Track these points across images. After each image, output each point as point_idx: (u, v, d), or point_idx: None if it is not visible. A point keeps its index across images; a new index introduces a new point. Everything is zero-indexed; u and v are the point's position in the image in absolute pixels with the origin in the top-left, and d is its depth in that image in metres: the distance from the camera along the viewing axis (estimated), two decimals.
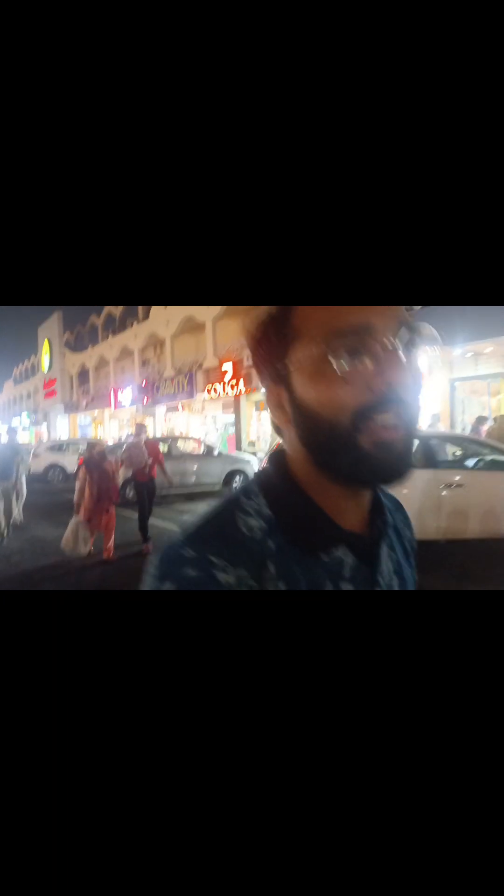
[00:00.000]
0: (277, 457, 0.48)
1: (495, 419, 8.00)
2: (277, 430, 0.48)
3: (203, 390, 15.47)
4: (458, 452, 5.25)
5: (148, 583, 0.40)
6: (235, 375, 13.93)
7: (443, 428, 8.60)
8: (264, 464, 0.50)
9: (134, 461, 5.60)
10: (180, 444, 10.56)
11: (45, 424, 31.23)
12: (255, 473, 0.49)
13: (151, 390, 18.68)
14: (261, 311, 0.44)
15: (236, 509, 0.44)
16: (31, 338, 36.74)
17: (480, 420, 8.32)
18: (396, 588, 0.49)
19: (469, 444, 5.34)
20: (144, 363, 21.31)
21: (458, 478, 4.51)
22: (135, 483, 5.92)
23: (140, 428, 5.99)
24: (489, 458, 4.86)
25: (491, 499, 4.44)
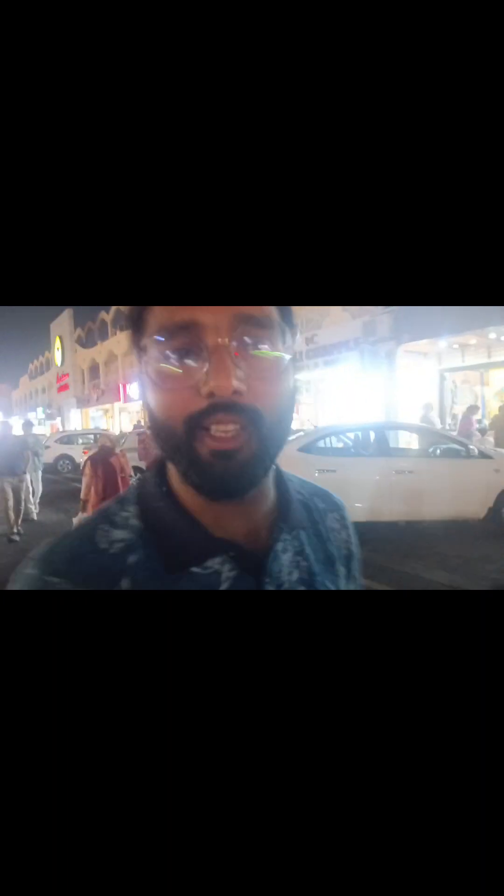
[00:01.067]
0: (161, 461, 0.46)
1: (501, 408, 8.47)
2: None
3: None
4: (416, 442, 5.82)
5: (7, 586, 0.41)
6: None
7: (435, 416, 9.10)
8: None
9: (150, 453, 5.35)
10: None
11: (59, 419, 32.30)
12: (139, 479, 0.48)
13: None
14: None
15: (103, 521, 0.43)
16: (44, 334, 37.83)
17: (472, 409, 8.81)
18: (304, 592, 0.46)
19: (426, 434, 5.90)
20: None
21: (407, 464, 5.10)
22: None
23: (109, 440, 5.47)
24: (444, 446, 5.42)
25: (441, 483, 5.01)
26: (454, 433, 8.55)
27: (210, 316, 0.37)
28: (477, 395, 10.63)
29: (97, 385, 27.58)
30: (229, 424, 0.37)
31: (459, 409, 10.28)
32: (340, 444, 5.85)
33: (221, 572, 0.42)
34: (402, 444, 6.00)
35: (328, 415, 12.35)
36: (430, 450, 5.46)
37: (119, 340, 24.68)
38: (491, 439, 7.87)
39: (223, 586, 0.42)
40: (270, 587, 0.44)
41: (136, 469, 7.06)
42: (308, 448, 5.02)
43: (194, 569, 0.42)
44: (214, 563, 0.42)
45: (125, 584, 0.40)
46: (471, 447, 5.31)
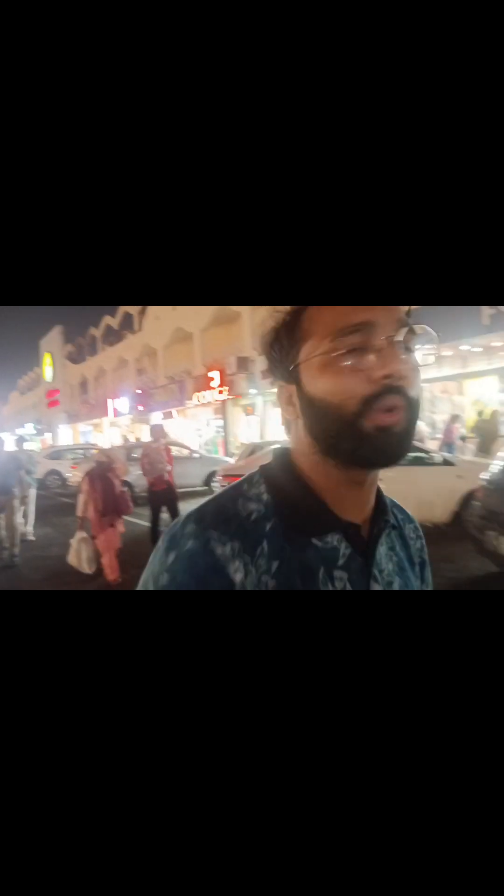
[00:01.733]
0: (282, 452, 0.53)
1: (480, 413, 8.84)
2: (287, 426, 0.52)
3: (192, 397, 16.36)
4: None
5: (156, 556, 0.47)
6: (221, 382, 14.83)
7: (423, 426, 9.46)
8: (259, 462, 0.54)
9: (155, 468, 5.02)
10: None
11: (49, 434, 32.38)
12: (261, 466, 0.53)
13: (146, 398, 19.65)
14: (270, 321, 0.49)
15: (238, 495, 0.50)
16: (32, 351, 38.06)
17: (454, 418, 9.21)
18: (396, 589, 0.52)
19: None
20: (139, 372, 22.31)
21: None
22: (150, 493, 5.25)
23: (158, 431, 5.39)
24: (411, 455, 5.72)
25: (408, 490, 5.30)
26: (436, 440, 8.95)
27: (383, 316, 0.45)
28: (455, 404, 11.03)
29: (86, 400, 27.80)
30: (398, 401, 0.44)
31: (439, 419, 10.70)
32: None
33: (339, 548, 0.48)
34: None
35: None
36: None
37: (108, 356, 24.97)
38: (472, 446, 8.23)
39: (340, 562, 0.48)
40: (376, 570, 0.50)
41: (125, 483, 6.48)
42: None
43: (316, 541, 0.48)
44: (334, 539, 0.49)
45: (265, 546, 0.46)
46: (434, 455, 5.63)
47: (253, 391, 13.92)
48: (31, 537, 6.58)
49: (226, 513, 0.48)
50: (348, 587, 0.48)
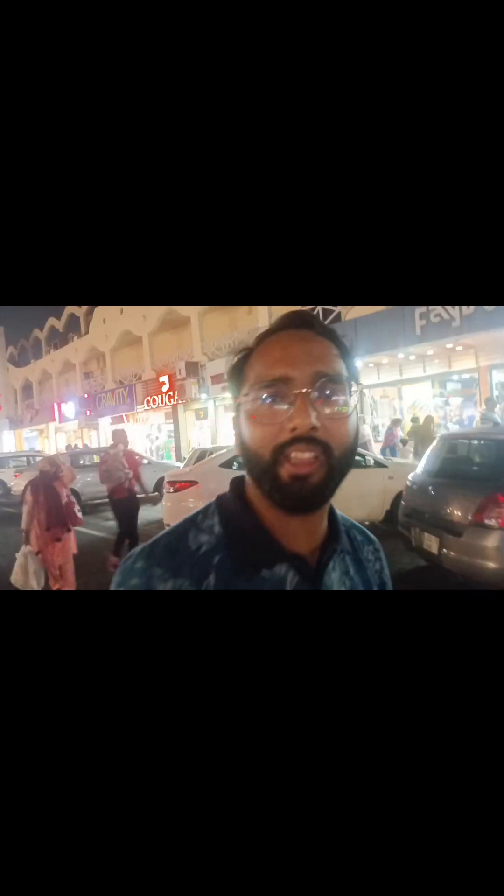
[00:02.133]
0: (238, 482, 0.54)
1: (414, 419, 9.43)
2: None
3: (142, 402, 16.25)
4: None
5: (112, 586, 0.49)
6: (171, 387, 14.81)
7: (367, 429, 9.94)
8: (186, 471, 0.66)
9: (112, 476, 4.86)
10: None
11: None
12: (217, 497, 0.55)
13: (94, 403, 19.23)
14: (232, 359, 0.52)
15: (192, 527, 0.52)
16: None
17: (395, 423, 9.77)
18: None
19: None
20: (87, 376, 21.78)
21: None
22: (112, 501, 5.08)
23: (119, 436, 5.18)
24: None
25: (344, 490, 5.64)
26: (379, 443, 9.46)
27: (298, 371, 0.47)
28: (395, 409, 11.70)
29: (31, 405, 26.72)
30: (306, 453, 0.46)
31: (380, 422, 11.32)
32: None
33: (286, 578, 0.50)
34: None
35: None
36: None
37: (53, 359, 24.14)
38: (411, 449, 8.80)
39: (288, 588, 0.50)
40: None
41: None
42: (227, 465, 5.50)
43: (264, 571, 0.50)
44: (281, 569, 0.50)
45: (211, 580, 0.48)
46: (367, 457, 6.03)
47: (203, 396, 14.01)
48: None
49: (174, 547, 0.50)
50: None
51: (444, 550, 3.50)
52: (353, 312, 10.79)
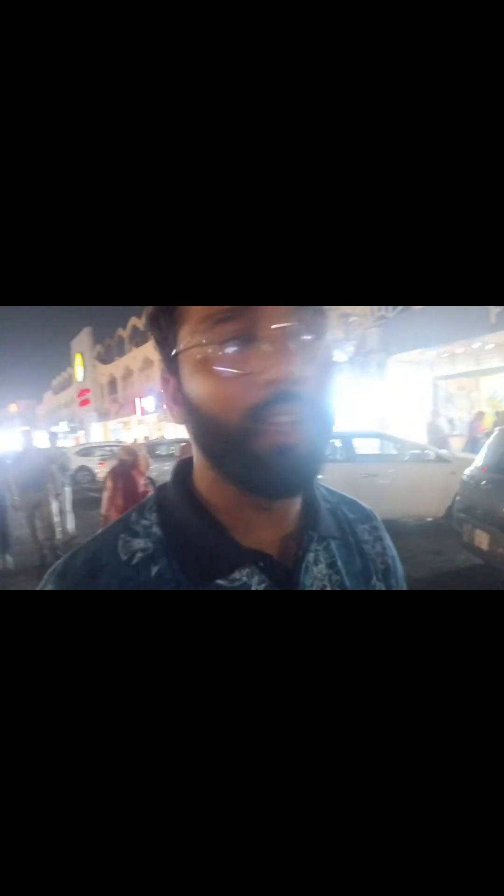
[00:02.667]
0: (182, 465, 0.43)
1: (497, 413, 9.04)
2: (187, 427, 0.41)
3: None
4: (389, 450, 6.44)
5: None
6: None
7: (443, 422, 9.74)
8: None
9: (128, 496, 4.34)
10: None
11: (82, 432, 33.74)
12: (157, 487, 0.44)
13: None
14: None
15: (122, 531, 0.41)
16: (64, 351, 39.70)
17: (479, 416, 9.41)
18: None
19: (393, 442, 6.50)
20: None
21: (372, 469, 5.74)
22: None
23: (128, 454, 4.70)
24: (410, 452, 6.05)
25: (403, 485, 5.61)
26: (455, 437, 9.15)
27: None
28: (474, 401, 11.12)
29: (116, 399, 28.83)
30: (290, 415, 0.34)
31: (458, 415, 10.82)
32: None
33: (250, 585, 0.39)
34: (383, 451, 6.61)
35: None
36: (396, 455, 6.09)
37: (134, 356, 25.84)
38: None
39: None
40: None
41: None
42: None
43: (221, 581, 0.39)
44: (242, 574, 0.39)
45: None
46: (428, 452, 5.93)
47: None
48: (72, 531, 6.16)
49: (97, 562, 0.39)
50: None
51: (495, 548, 3.47)
52: None
